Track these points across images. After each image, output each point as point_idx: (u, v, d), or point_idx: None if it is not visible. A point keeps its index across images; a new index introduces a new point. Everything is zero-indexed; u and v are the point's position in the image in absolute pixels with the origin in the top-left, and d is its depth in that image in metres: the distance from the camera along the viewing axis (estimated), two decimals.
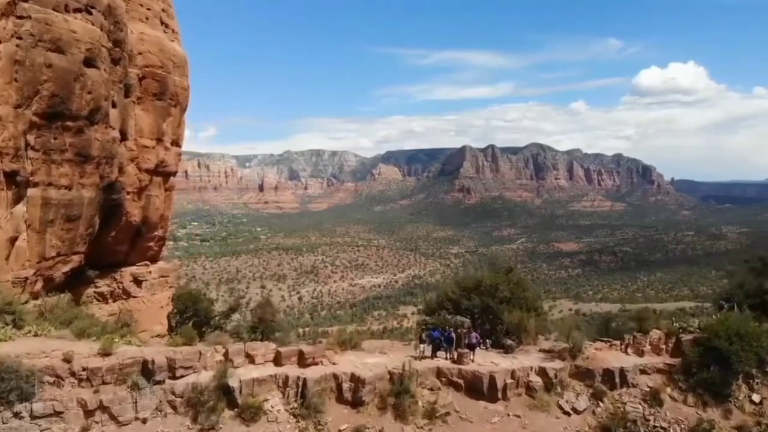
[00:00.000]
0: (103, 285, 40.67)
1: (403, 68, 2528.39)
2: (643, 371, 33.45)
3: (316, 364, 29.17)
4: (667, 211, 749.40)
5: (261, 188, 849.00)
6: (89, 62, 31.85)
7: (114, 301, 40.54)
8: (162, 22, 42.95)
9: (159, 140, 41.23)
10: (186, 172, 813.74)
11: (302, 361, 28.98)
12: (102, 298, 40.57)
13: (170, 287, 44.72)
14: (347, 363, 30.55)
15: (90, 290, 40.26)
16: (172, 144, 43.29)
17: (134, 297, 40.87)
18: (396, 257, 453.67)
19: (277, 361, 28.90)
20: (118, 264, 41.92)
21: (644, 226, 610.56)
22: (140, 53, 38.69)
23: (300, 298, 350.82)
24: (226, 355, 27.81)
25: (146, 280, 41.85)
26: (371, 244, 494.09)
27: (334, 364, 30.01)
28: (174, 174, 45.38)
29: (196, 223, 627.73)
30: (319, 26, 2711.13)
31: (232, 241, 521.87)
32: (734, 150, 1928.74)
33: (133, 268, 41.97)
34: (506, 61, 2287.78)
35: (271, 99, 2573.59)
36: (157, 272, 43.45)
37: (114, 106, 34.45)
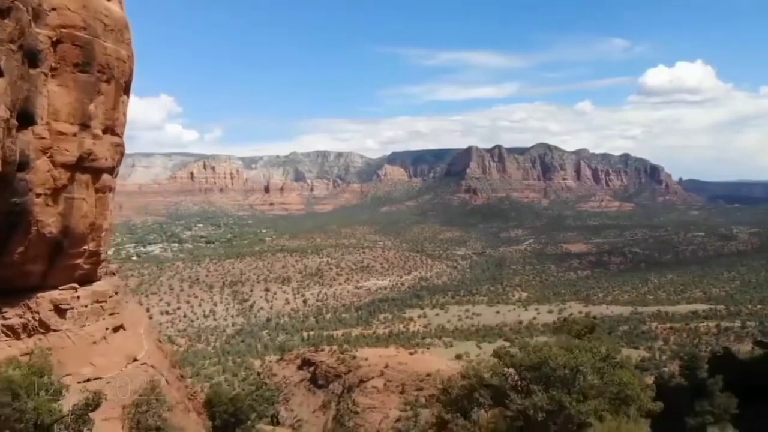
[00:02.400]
0: (13, 316, 30.64)
1: (407, 69, 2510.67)
2: None
3: None
4: (675, 212, 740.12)
5: (267, 190, 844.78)
6: None
7: (29, 336, 30.68)
8: None
9: (84, 125, 30.94)
10: (192, 173, 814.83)
11: None
12: (12, 332, 30.59)
13: (111, 314, 33.92)
14: None
15: None
16: (104, 131, 32.85)
17: (55, 330, 30.88)
18: (402, 259, 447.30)
19: None
20: (33, 288, 31.81)
21: (653, 226, 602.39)
22: (54, 9, 28.93)
23: (305, 301, 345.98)
24: None
25: (72, 308, 31.69)
26: (377, 245, 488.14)
27: None
28: (110, 171, 34.26)
29: (201, 225, 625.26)
30: (324, 27, 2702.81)
31: (237, 243, 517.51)
32: (741, 149, 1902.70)
33: (53, 293, 31.86)
34: (511, 61, 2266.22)
35: (277, 100, 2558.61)
36: (89, 297, 33.05)
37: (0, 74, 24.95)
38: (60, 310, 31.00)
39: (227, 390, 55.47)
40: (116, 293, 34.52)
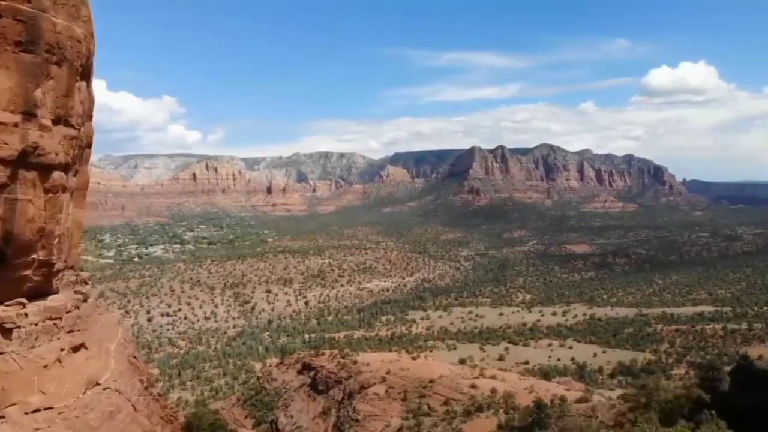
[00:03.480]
0: None
1: (411, 70, 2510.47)
2: None
3: None
4: (679, 212, 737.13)
5: (269, 191, 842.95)
6: None
7: None
8: None
9: (28, 114, 26.06)
10: (194, 174, 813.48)
11: None
12: None
13: (70, 332, 29.06)
14: None
15: None
16: (55, 122, 27.99)
17: None
18: (404, 260, 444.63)
19: None
20: None
21: (657, 227, 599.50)
22: None
23: (306, 303, 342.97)
24: None
25: (19, 327, 26.78)
26: (379, 246, 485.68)
27: None
28: (63, 167, 29.10)
29: (203, 226, 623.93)
30: (327, 28, 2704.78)
31: (238, 244, 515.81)
32: (745, 150, 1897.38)
33: None
34: (514, 62, 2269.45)
35: (280, 101, 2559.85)
36: (40, 314, 28.12)
37: None
38: (4, 330, 26.28)
39: (209, 413, 52.29)
40: (77, 307, 29.87)
